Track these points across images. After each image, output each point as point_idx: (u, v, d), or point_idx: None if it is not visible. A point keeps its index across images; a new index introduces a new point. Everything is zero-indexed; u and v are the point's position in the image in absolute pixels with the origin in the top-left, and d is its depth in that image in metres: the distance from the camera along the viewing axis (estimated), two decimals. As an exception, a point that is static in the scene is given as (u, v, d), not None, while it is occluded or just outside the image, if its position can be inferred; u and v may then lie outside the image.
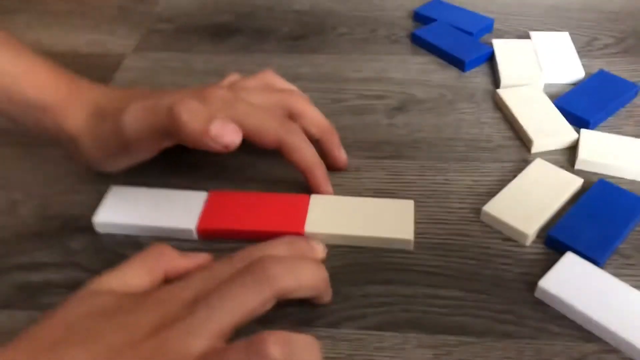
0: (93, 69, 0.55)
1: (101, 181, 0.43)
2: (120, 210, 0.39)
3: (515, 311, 0.35)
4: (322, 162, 0.41)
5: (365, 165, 0.44)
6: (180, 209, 0.39)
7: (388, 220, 0.38)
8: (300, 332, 0.32)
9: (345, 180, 0.43)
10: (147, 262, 0.32)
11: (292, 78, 0.52)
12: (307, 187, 0.42)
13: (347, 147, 0.45)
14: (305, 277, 0.32)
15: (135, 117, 0.36)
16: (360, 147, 0.46)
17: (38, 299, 0.36)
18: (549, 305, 0.35)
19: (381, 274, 0.37)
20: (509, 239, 0.39)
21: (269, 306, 0.30)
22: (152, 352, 0.27)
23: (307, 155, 0.39)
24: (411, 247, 0.38)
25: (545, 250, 0.38)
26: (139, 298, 0.30)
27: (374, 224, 0.38)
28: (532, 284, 0.36)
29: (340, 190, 0.42)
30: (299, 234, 0.38)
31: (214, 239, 0.39)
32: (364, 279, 0.36)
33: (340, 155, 0.43)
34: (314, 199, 0.40)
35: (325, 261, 0.37)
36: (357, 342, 0.34)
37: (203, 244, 0.39)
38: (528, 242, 0.38)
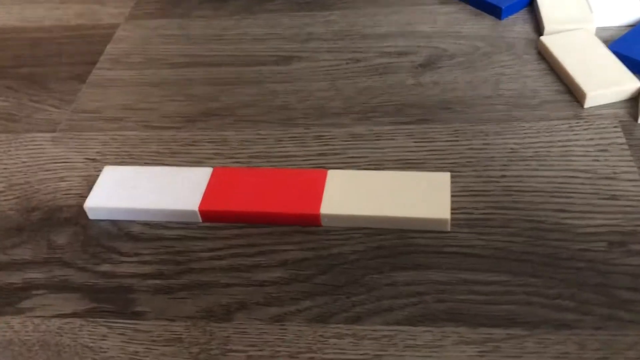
0: (83, 42, 0.54)
1: (91, 166, 0.42)
2: (115, 192, 0.38)
3: (575, 296, 0.32)
4: None
5: (389, 132, 0.42)
6: (181, 189, 0.37)
7: (419, 197, 0.36)
8: (317, 329, 0.30)
9: (366, 152, 0.40)
10: None
11: (302, 39, 0.51)
12: (322, 163, 0.40)
13: (367, 112, 0.43)
14: None
15: None
16: (383, 111, 0.43)
17: (16, 303, 0.34)
18: (615, 287, 0.31)
19: (410, 258, 0.34)
20: (562, 210, 0.35)
21: None
22: None
23: None
24: (447, 228, 0.35)
25: (608, 222, 0.34)
26: None
27: (403, 202, 0.36)
28: (592, 262, 0.32)
29: (361, 163, 0.40)
30: (314, 215, 0.36)
31: (219, 223, 0.37)
32: (390, 265, 0.34)
33: None
34: (332, 175, 0.38)
35: (344, 246, 0.35)
36: (385, 340, 0.31)
37: (207, 229, 0.37)
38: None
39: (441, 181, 0.36)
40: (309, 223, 0.36)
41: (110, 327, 0.32)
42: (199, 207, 0.36)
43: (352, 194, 0.36)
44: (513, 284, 0.32)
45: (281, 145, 0.41)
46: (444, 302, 0.32)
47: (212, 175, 0.38)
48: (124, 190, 0.38)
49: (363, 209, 0.35)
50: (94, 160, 0.42)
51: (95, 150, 0.43)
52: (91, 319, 0.33)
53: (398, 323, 0.31)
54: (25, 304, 0.34)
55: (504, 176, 0.38)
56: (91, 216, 0.38)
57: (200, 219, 0.37)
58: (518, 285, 0.32)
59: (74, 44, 0.53)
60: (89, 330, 0.32)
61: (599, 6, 0.48)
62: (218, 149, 0.42)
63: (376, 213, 0.35)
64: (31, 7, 0.58)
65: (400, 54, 0.48)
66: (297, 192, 0.37)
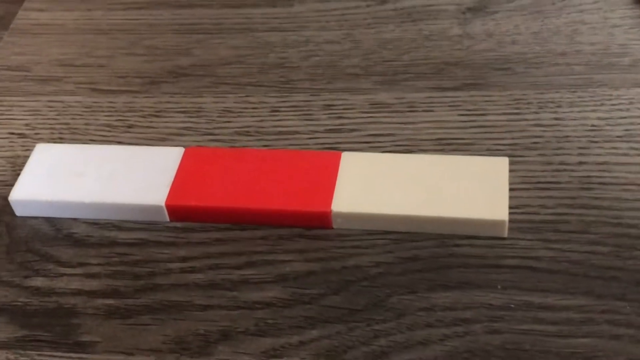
0: None
1: (18, 144, 0.43)
2: (51, 180, 0.39)
3: None
4: None
5: (425, 101, 0.43)
6: (141, 177, 0.39)
7: (466, 190, 0.37)
8: None
9: (394, 128, 0.42)
10: None
11: None
12: (334, 142, 0.41)
13: (396, 74, 0.44)
14: None
15: None
16: (418, 73, 0.45)
17: None
18: None
19: (454, 274, 0.35)
20: (662, 210, 0.36)
21: None
22: None
23: None
24: (504, 234, 0.36)
25: None
26: None
27: (444, 197, 0.37)
28: None
29: (386, 143, 0.41)
30: (323, 214, 0.37)
31: (193, 222, 0.38)
32: (426, 282, 0.35)
33: None
34: (347, 159, 0.39)
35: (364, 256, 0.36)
36: (418, 384, 0.32)
37: (177, 231, 0.38)
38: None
39: (496, 169, 0.37)
40: (316, 224, 0.37)
41: (46, 363, 0.33)
42: (166, 202, 0.37)
43: (375, 185, 0.37)
44: (594, 310, 0.33)
45: (277, 118, 0.42)
46: (500, 333, 0.33)
47: (184, 158, 0.39)
48: (64, 178, 0.39)
49: (389, 207, 0.36)
50: (21, 135, 0.43)
51: (24, 122, 0.44)
52: (21, 351, 0.34)
53: (436, 361, 0.32)
54: None
55: (582, 163, 0.38)
56: (19, 212, 0.39)
57: (167, 217, 0.38)
58: (601, 312, 0.33)
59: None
60: (17, 367, 0.33)
61: None
62: (191, 122, 0.43)
63: (408, 212, 0.36)
64: None
65: (443, -7, 0.49)
66: (300, 182, 0.38)
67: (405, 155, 0.39)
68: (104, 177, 0.39)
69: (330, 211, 0.36)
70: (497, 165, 0.37)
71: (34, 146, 0.41)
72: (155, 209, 0.38)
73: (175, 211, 0.38)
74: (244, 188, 0.38)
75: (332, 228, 0.37)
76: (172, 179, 0.38)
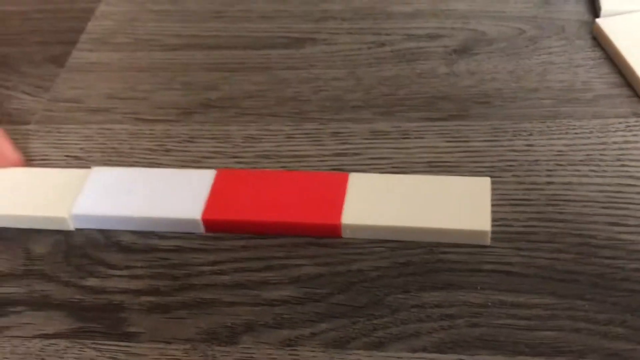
0: (61, 18, 0.55)
1: (74, 165, 0.43)
2: (105, 198, 0.40)
3: (629, 323, 0.33)
4: None
5: (417, 130, 0.43)
6: (180, 194, 0.39)
7: (453, 205, 0.37)
8: (333, 355, 0.32)
9: (390, 152, 0.42)
10: None
11: (317, 18, 0.52)
12: (340, 164, 0.41)
13: (392, 106, 0.45)
14: None
15: None
16: (411, 105, 0.45)
17: (-8, 320, 0.36)
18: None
19: (441, 277, 0.36)
20: (616, 223, 0.37)
21: None
22: None
23: None
24: (487, 242, 0.37)
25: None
26: None
27: (434, 211, 0.37)
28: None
29: (384, 165, 0.41)
30: (334, 226, 0.37)
31: (224, 232, 0.39)
32: (418, 283, 0.36)
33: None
34: (354, 179, 0.39)
35: (365, 262, 0.36)
36: (410, 369, 0.33)
37: (207, 239, 0.39)
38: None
39: (480, 187, 0.38)
40: (327, 234, 0.37)
41: (99, 350, 0.34)
42: (202, 216, 0.38)
43: (378, 201, 0.38)
44: (558, 307, 0.34)
45: (292, 143, 0.43)
46: (478, 327, 0.33)
47: (216, 179, 0.40)
48: (114, 196, 0.40)
49: (390, 219, 0.37)
50: (76, 157, 0.44)
51: (78, 146, 0.44)
52: (77, 340, 0.35)
53: (425, 350, 0.33)
54: (1, 322, 0.36)
55: (549, 183, 0.39)
56: (76, 224, 0.40)
57: (203, 229, 0.39)
58: (563, 309, 0.33)
59: (49, 19, 0.55)
60: (75, 353, 0.34)
61: (666, -17, 0.49)
62: (219, 147, 0.43)
63: (405, 223, 0.37)
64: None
65: (432, 37, 0.49)
66: (314, 199, 0.38)
67: (401, 175, 0.39)
68: (148, 195, 0.39)
69: (340, 223, 0.37)
70: (481, 184, 0.38)
71: (88, 167, 0.41)
72: (193, 222, 0.38)
73: (210, 224, 0.38)
74: (266, 203, 0.38)
75: (341, 237, 0.37)
76: (207, 197, 0.39)
